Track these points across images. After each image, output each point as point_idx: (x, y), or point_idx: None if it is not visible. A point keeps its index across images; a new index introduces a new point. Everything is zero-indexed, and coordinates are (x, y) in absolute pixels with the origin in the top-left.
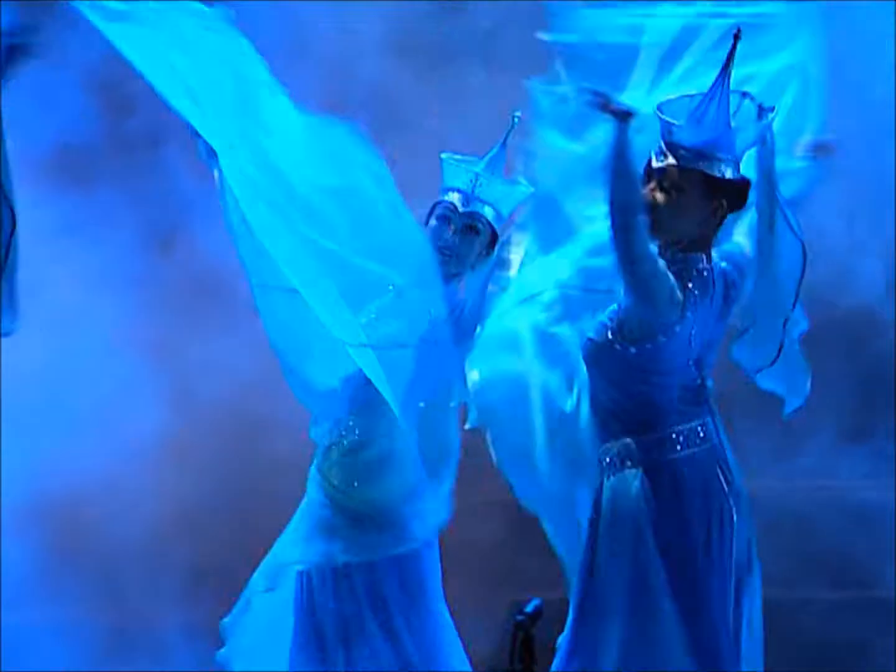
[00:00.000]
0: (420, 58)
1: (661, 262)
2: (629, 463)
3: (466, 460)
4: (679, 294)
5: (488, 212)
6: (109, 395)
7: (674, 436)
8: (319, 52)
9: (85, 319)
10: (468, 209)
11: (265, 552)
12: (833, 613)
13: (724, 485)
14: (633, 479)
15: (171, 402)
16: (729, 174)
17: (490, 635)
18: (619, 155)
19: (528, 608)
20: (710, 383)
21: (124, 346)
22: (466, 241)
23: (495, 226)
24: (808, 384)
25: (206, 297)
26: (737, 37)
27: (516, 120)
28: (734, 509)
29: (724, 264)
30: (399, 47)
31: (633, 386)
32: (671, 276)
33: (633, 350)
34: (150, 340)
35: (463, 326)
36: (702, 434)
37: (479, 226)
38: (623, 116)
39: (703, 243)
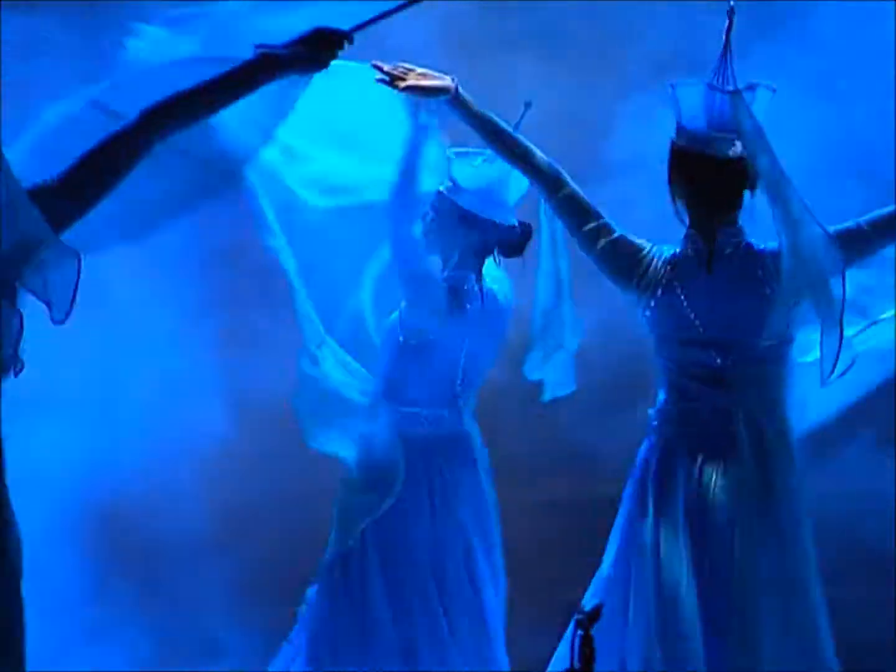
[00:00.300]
0: (477, 50)
1: (611, 238)
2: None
3: (524, 459)
4: (638, 270)
5: None
6: (164, 393)
7: (674, 412)
8: (380, 45)
9: (140, 317)
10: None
11: (320, 552)
12: (872, 612)
13: (702, 476)
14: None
15: (228, 401)
16: (681, 141)
17: (550, 635)
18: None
19: (588, 607)
20: (745, 368)
21: (178, 346)
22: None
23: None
24: (835, 353)
25: (263, 295)
26: (731, 13)
27: (527, 108)
28: (704, 508)
29: (763, 245)
30: (457, 40)
31: (655, 355)
32: (631, 253)
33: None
34: (205, 339)
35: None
36: (706, 417)
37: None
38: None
39: (691, 218)
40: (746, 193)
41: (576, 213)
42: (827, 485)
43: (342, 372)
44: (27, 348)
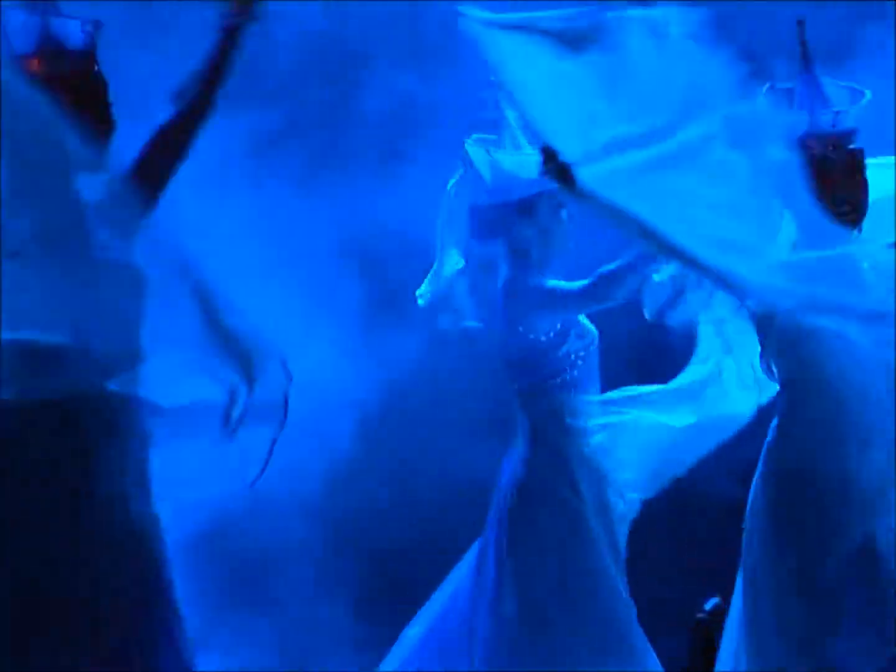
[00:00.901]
0: None
1: None
2: None
3: None
4: None
5: None
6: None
7: None
8: None
9: None
10: None
11: (436, 563)
12: None
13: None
14: None
15: (353, 410)
16: None
17: (671, 634)
18: None
19: (708, 606)
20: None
21: (307, 352)
22: None
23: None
24: None
25: (390, 304)
26: (801, 24)
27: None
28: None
29: None
30: None
31: None
32: None
33: None
34: (334, 346)
35: None
36: None
37: None
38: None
39: None
40: None
41: None
42: None
43: None
44: None
